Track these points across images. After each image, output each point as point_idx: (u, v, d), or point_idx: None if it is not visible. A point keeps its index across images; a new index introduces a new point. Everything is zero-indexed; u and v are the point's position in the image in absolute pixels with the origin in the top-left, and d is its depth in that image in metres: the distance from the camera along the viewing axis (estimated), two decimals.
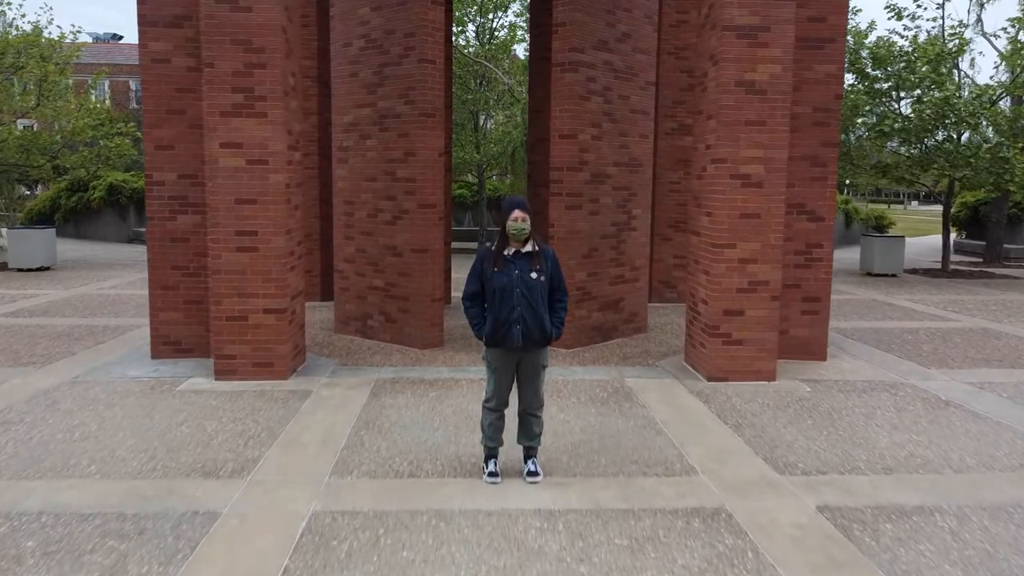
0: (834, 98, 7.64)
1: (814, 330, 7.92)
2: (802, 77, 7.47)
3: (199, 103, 7.18)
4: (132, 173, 26.90)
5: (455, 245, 22.00)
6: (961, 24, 16.70)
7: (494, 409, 4.63)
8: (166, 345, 7.63)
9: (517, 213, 4.43)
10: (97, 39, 56.94)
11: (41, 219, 26.31)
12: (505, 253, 4.48)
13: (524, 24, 22.46)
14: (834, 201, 7.78)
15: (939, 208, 21.41)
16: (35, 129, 17.78)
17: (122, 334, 9.01)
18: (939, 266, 18.53)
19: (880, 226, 29.90)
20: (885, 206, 57.14)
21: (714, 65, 6.94)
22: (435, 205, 8.23)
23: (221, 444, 5.23)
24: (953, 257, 19.98)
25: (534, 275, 4.43)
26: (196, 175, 7.35)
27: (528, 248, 4.49)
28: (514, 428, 4.87)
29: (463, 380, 6.98)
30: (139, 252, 20.67)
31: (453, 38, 21.39)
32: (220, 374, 6.86)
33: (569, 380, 7.04)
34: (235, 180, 6.67)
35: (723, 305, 6.99)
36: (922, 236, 33.87)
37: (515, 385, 4.63)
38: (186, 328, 7.61)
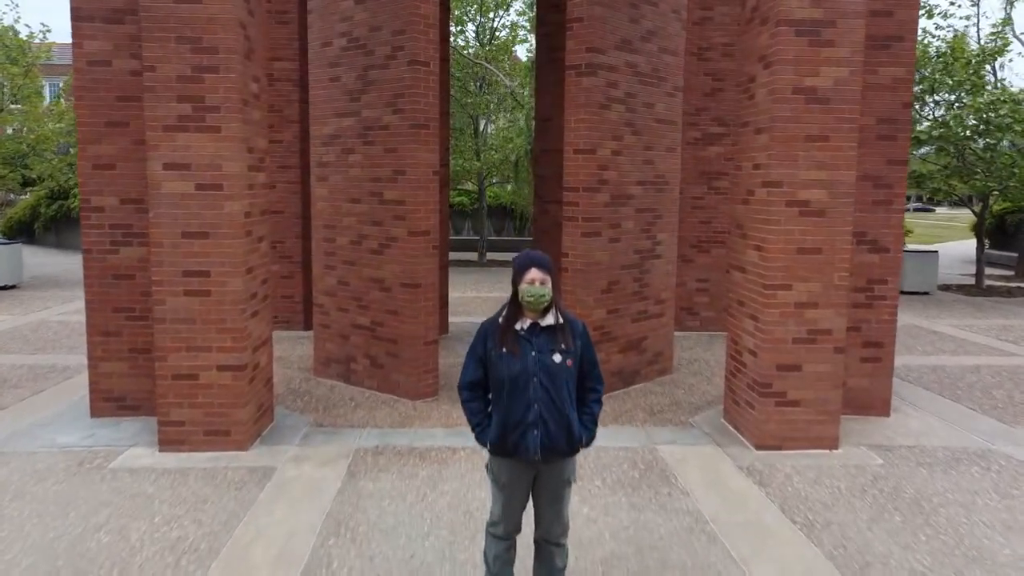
0: (902, 107, 6.43)
1: (875, 381, 6.70)
2: (865, 82, 6.25)
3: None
4: None
5: (453, 257, 20.82)
6: (1005, 22, 15.46)
7: (502, 537, 3.41)
8: (108, 402, 6.41)
9: (534, 273, 3.21)
10: None
11: (21, 228, 25.11)
12: (518, 328, 3.26)
13: (527, 24, 21.26)
14: (901, 229, 6.56)
15: (947, 211, 20.21)
16: None
17: (69, 378, 7.78)
18: (971, 281, 17.32)
19: None
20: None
21: (765, 68, 5.72)
22: (428, 232, 7.01)
23: (144, 566, 4.00)
24: (975, 267, 18.77)
25: (558, 358, 3.21)
26: (142, 200, 6.13)
27: (549, 320, 3.27)
28: (527, 559, 3.66)
29: (460, 450, 5.76)
30: None
31: (452, 38, 20.22)
32: (165, 444, 5.64)
33: (591, 448, 5.83)
34: (182, 209, 5.45)
35: (776, 358, 5.77)
36: (940, 243, 32.66)
37: (530, 501, 3.42)
38: (131, 382, 6.38)
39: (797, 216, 5.65)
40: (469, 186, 23.30)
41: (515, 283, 3.26)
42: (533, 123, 17.44)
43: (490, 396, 3.35)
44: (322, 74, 7.59)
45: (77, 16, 6.03)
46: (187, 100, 5.38)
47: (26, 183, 17.30)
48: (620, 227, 7.34)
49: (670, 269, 8.07)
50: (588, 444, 3.33)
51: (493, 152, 18.89)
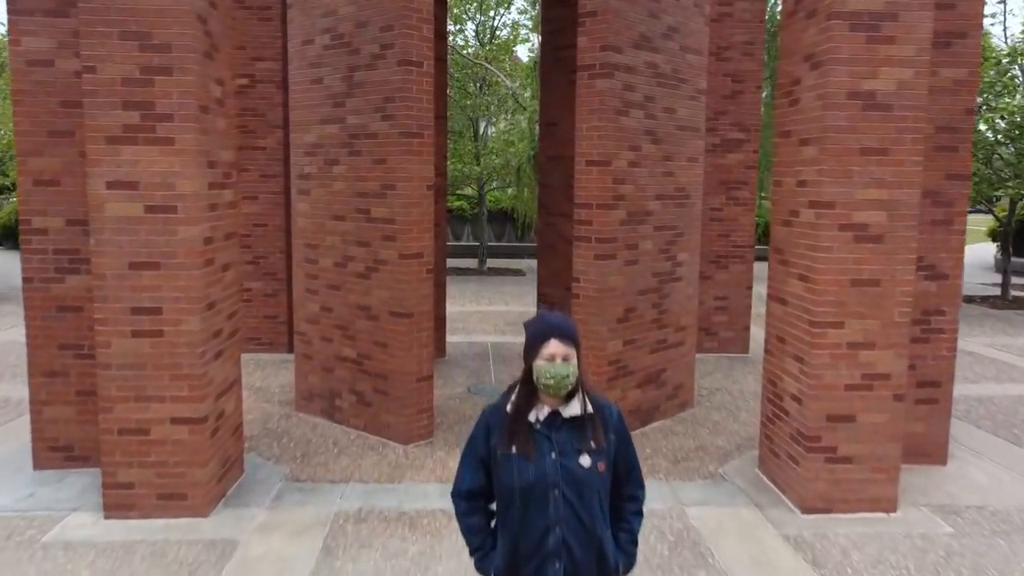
0: (964, 113, 5.61)
1: (932, 425, 5.88)
2: None
3: None
4: None
5: (450, 264, 19.98)
6: None
7: None
8: (53, 452, 5.58)
9: (555, 346, 2.38)
10: None
11: (5, 233, 24.27)
12: (531, 419, 2.44)
13: (528, 22, 20.44)
14: (961, 253, 5.74)
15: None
16: None
17: (20, 416, 6.95)
18: (996, 291, 16.49)
19: None
20: None
21: (813, 69, 4.90)
22: (421, 255, 6.19)
23: None
24: (1001, 278, 17.94)
25: (586, 461, 2.38)
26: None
27: (574, 409, 2.44)
28: None
29: None
30: None
31: (450, 36, 19.40)
32: (112, 510, 4.81)
33: None
34: (128, 235, 4.63)
35: (825, 407, 4.95)
36: None
37: None
38: (80, 429, 5.56)
39: (851, 242, 4.83)
40: (468, 191, 22.49)
41: (528, 357, 2.43)
42: (536, 127, 16.63)
43: (494, 506, 2.53)
44: (303, 76, 6.76)
45: (14, 9, 5.20)
46: (134, 107, 4.55)
47: (2, 190, 16.47)
48: (637, 248, 6.51)
49: (691, 292, 7.24)
50: (627, 572, 2.50)
51: (494, 156, 18.05)
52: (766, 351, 5.61)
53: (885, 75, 4.71)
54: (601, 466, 2.39)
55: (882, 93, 4.73)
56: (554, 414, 2.42)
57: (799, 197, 5.08)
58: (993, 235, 23.23)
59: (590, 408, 2.44)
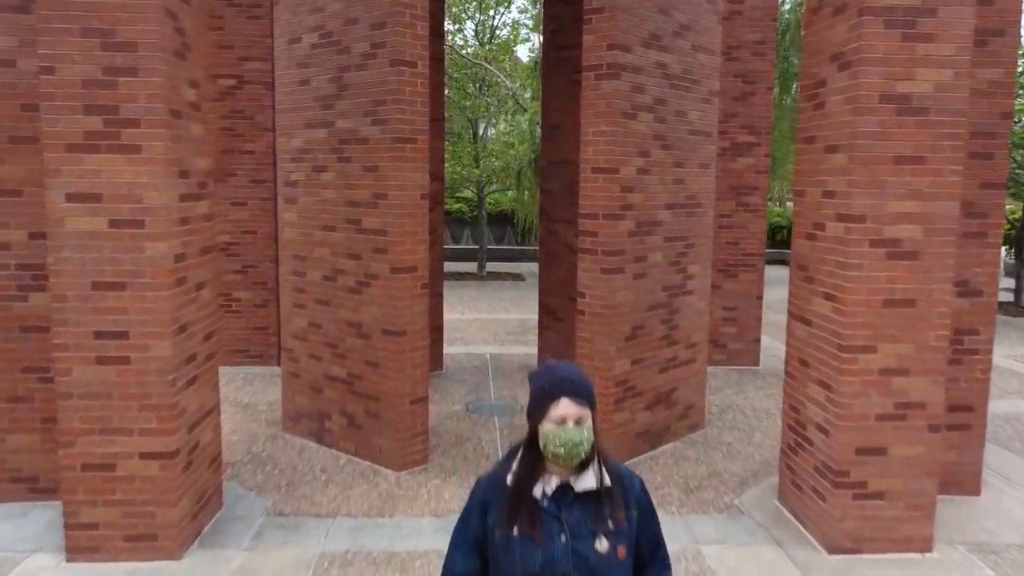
0: (1000, 117, 5.19)
1: (965, 453, 5.47)
2: None
3: None
4: None
5: (449, 268, 19.52)
6: None
7: None
8: (16, 483, 5.16)
9: (565, 406, 1.95)
10: None
11: None
12: (536, 494, 2.02)
13: (529, 21, 20.03)
14: (997, 268, 5.33)
15: None
16: None
17: None
18: (1009, 298, 16.08)
19: None
20: None
21: (843, 70, 4.48)
22: (415, 268, 5.78)
23: None
24: (1015, 283, 17.54)
25: (603, 545, 1.96)
26: None
27: (588, 482, 2.01)
28: None
29: None
30: None
31: (448, 36, 18.99)
32: (75, 552, 4.40)
33: None
34: (91, 252, 4.21)
35: (855, 439, 4.53)
36: None
37: None
38: (44, 459, 5.13)
39: (883, 259, 4.41)
40: (467, 193, 22.09)
41: (533, 419, 2.01)
42: (538, 129, 16.22)
43: None
44: (289, 77, 6.35)
45: None
46: (96, 111, 4.14)
47: None
48: (646, 260, 6.10)
49: (702, 307, 6.83)
50: None
51: (493, 159, 17.63)
52: (787, 374, 5.19)
53: (922, 76, 4.30)
54: (621, 551, 1.98)
55: (918, 96, 4.31)
56: (564, 487, 2.00)
57: (825, 209, 4.66)
58: (1007, 240, 22.81)
59: (607, 480, 2.02)
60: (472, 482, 2.89)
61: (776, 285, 15.21)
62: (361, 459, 6.08)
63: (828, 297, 4.63)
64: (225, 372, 8.88)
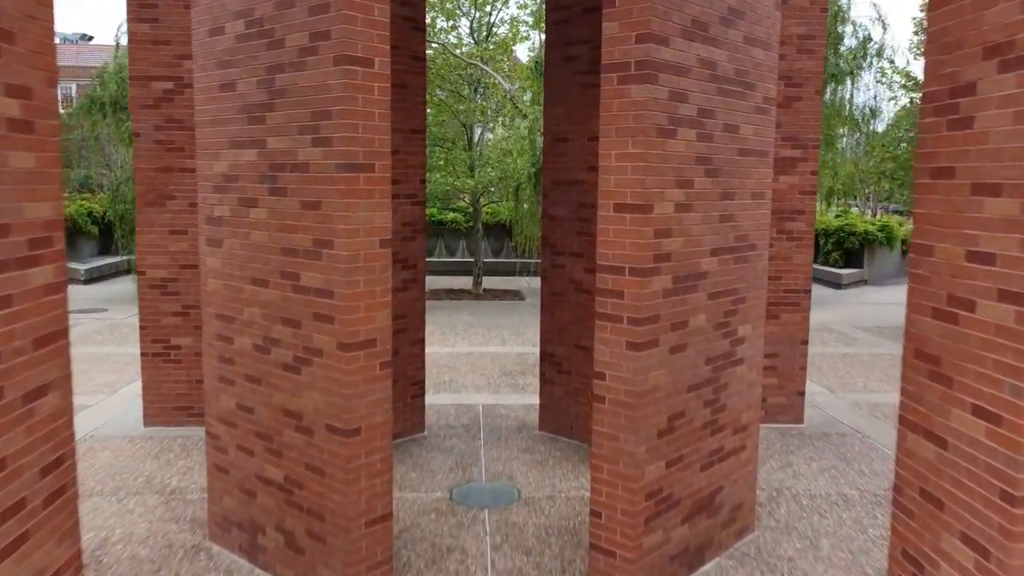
0: None
1: None
2: None
3: None
4: (64, 196, 23.00)
5: (442, 284, 17.91)
6: None
7: None
8: None
9: None
10: (65, 40, 53.05)
11: None
12: None
13: (529, 18, 18.46)
14: None
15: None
16: None
17: None
18: None
19: None
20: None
21: (1008, 70, 2.91)
22: (372, 343, 4.21)
23: None
24: None
25: None
26: None
27: None
28: None
29: None
30: (68, 293, 16.59)
31: (442, 34, 17.45)
32: None
33: None
34: None
35: None
36: None
37: None
38: None
39: None
40: (463, 203, 20.54)
41: None
42: (540, 137, 14.67)
43: None
44: (210, 78, 4.78)
45: None
46: None
47: None
48: (687, 326, 4.53)
49: (754, 377, 5.26)
50: None
51: (490, 169, 16.06)
52: (895, 504, 3.62)
53: None
54: None
55: None
56: None
57: (976, 280, 3.09)
58: None
59: None
60: None
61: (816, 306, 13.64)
62: None
63: (982, 414, 3.06)
64: (159, 436, 7.35)
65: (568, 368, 7.41)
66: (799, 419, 8.04)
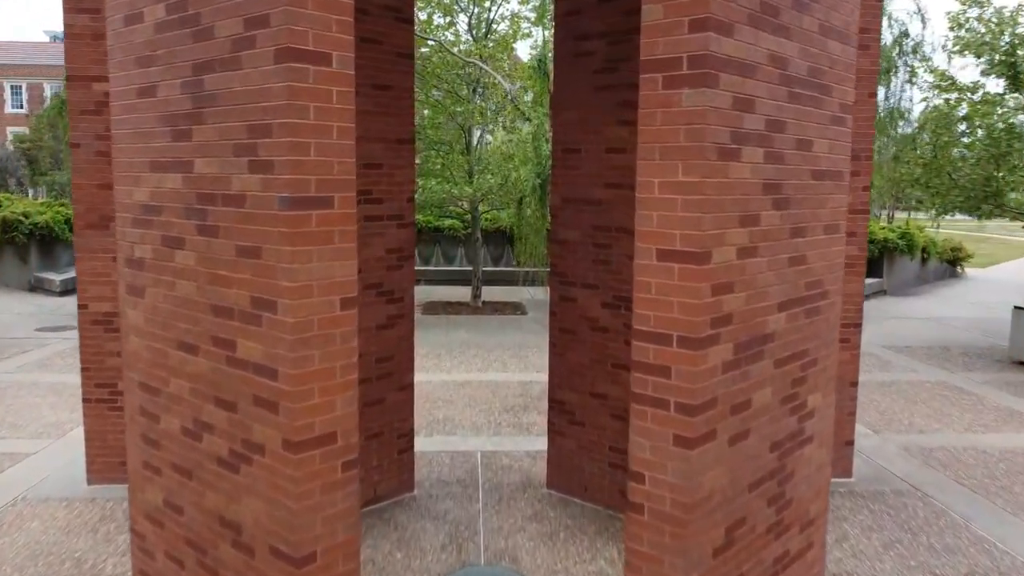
0: None
1: None
2: None
3: None
4: (41, 202, 21.91)
5: (439, 296, 16.71)
6: None
7: None
8: None
9: None
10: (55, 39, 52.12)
11: None
12: None
13: (531, 14, 17.35)
14: None
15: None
16: None
17: None
18: None
19: (955, 260, 24.73)
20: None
21: None
22: (330, 439, 3.12)
23: None
24: None
25: None
26: None
27: None
28: None
29: None
30: (40, 306, 15.57)
31: (439, 31, 16.36)
32: None
33: None
34: None
35: None
36: (994, 265, 28.82)
37: None
38: None
39: None
40: (463, 207, 19.44)
41: None
42: (544, 143, 13.59)
43: None
44: (128, 80, 3.69)
45: None
46: None
47: None
48: (750, 406, 3.44)
49: (823, 457, 4.17)
50: None
51: (489, 176, 14.97)
52: None
53: None
54: None
55: None
56: None
57: None
58: None
59: None
60: None
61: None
62: None
63: None
64: (103, 497, 6.31)
65: (581, 418, 6.33)
66: (847, 472, 6.95)
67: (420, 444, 7.44)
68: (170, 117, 3.43)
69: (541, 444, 7.43)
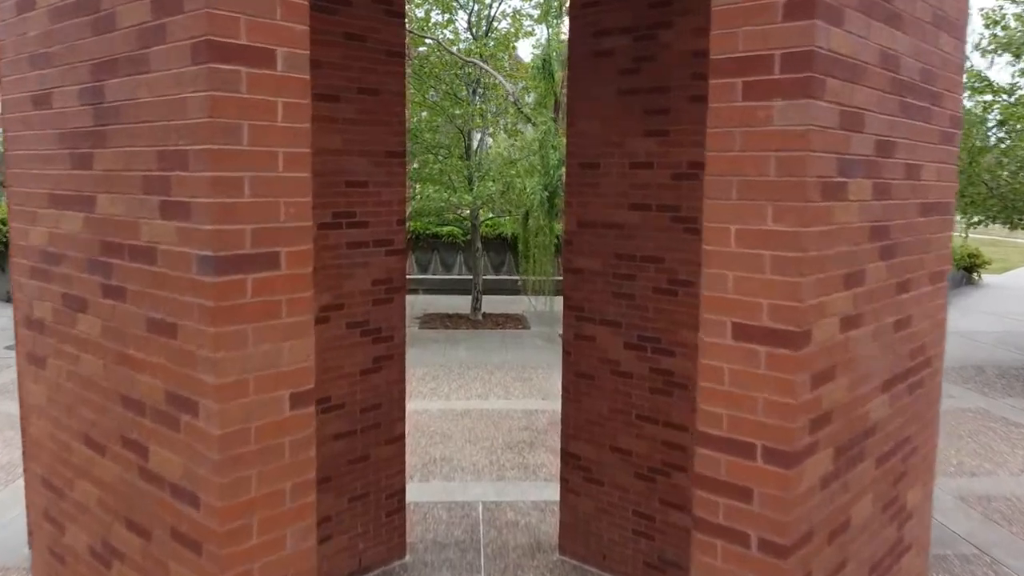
0: None
1: None
2: None
3: None
4: None
5: (437, 307, 15.79)
6: None
7: None
8: None
9: None
10: None
11: None
12: None
13: (534, 11, 16.47)
14: None
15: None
16: None
17: None
18: None
19: (972, 267, 23.85)
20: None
21: None
22: None
23: None
24: None
25: None
26: None
27: None
28: None
29: None
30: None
31: (436, 28, 15.49)
32: None
33: None
34: None
35: None
36: (1010, 271, 27.93)
37: None
38: None
39: None
40: (462, 214, 18.55)
41: None
42: (552, 152, 12.71)
43: None
44: (22, 84, 2.81)
45: None
46: None
47: None
48: (848, 527, 2.56)
49: (921, 567, 3.29)
50: None
51: (490, 182, 14.10)
52: None
53: None
54: None
55: None
56: None
57: None
58: None
59: None
60: None
61: None
62: None
63: None
64: None
65: (599, 476, 5.44)
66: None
67: (414, 492, 6.56)
68: (68, 136, 2.54)
69: (550, 492, 6.56)
